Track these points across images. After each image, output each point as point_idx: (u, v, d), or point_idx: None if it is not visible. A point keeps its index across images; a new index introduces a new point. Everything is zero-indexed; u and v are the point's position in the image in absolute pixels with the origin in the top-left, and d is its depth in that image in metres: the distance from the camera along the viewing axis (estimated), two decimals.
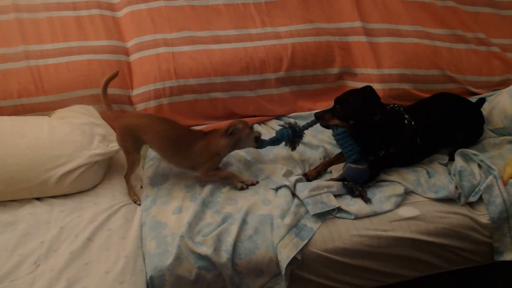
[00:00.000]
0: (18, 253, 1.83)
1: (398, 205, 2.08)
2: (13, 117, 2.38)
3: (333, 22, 2.92)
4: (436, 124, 2.34)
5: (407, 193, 2.15)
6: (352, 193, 2.13)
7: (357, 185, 2.14)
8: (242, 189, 2.21)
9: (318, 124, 2.28)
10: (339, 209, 2.05)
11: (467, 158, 2.28)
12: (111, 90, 2.26)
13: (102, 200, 2.15)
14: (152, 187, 2.21)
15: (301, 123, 2.36)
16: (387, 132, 2.23)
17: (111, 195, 2.19)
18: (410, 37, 2.89)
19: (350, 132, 2.17)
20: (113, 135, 2.35)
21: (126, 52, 2.69)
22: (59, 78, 2.50)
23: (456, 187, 2.12)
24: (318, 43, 2.81)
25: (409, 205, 2.10)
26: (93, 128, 2.31)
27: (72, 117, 2.35)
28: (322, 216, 2.02)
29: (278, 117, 2.78)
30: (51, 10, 2.66)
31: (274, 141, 2.31)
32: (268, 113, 2.78)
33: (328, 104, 2.35)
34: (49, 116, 2.42)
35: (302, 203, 2.06)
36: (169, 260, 1.82)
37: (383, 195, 2.12)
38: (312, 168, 2.34)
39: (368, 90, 2.22)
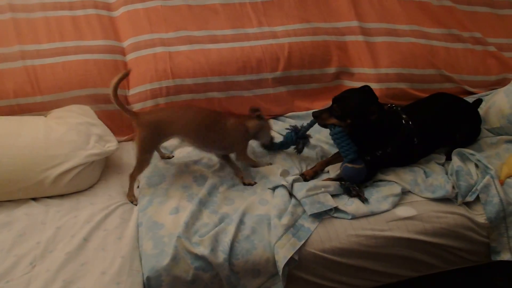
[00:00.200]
0: (14, 254, 1.83)
1: (395, 205, 2.08)
2: (9, 117, 2.37)
3: (330, 21, 2.92)
4: (434, 124, 2.34)
5: (404, 193, 2.15)
6: (349, 193, 2.13)
7: (354, 185, 2.14)
8: (250, 184, 2.22)
9: (316, 124, 2.29)
10: (336, 209, 2.05)
11: (464, 158, 2.28)
12: (107, 90, 2.24)
13: (98, 200, 2.14)
14: (149, 187, 2.20)
15: (300, 123, 2.37)
16: (384, 132, 2.23)
17: (108, 195, 2.18)
18: (406, 36, 2.89)
19: (347, 131, 2.17)
20: (109, 135, 2.34)
21: (123, 52, 2.68)
22: (55, 78, 2.49)
23: (453, 187, 2.12)
24: (315, 43, 2.81)
25: (406, 205, 2.10)
26: (90, 128, 2.30)
27: (68, 117, 2.34)
28: (319, 216, 2.02)
29: (275, 117, 2.78)
30: (47, 10, 2.64)
31: (283, 144, 2.39)
32: (265, 112, 2.74)
33: (325, 103, 2.35)
34: (45, 116, 2.41)
35: (299, 203, 2.06)
36: (166, 260, 1.82)
37: (380, 195, 2.12)
38: (309, 168, 2.34)
39: (366, 89, 2.23)
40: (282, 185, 2.13)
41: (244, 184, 2.23)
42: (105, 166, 2.36)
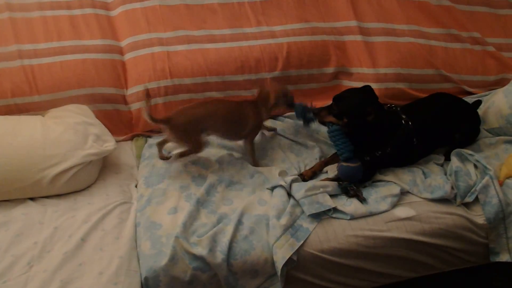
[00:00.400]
0: (11, 254, 1.82)
1: (394, 206, 2.08)
2: (7, 116, 2.35)
3: (329, 21, 2.92)
4: (433, 125, 2.34)
5: (403, 193, 2.15)
6: (347, 192, 2.12)
7: (352, 184, 2.14)
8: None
9: (314, 124, 2.30)
10: (335, 209, 2.04)
11: (463, 158, 2.28)
12: (105, 90, 2.25)
13: (96, 200, 2.13)
14: (147, 187, 2.20)
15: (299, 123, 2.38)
16: (383, 132, 2.23)
17: (105, 195, 2.17)
18: (405, 36, 2.89)
19: (346, 130, 2.18)
20: (107, 135, 2.33)
21: (121, 51, 2.68)
22: (53, 77, 2.48)
23: (452, 188, 2.12)
24: (314, 43, 2.81)
25: (405, 206, 2.10)
26: (87, 127, 2.29)
27: (66, 117, 2.33)
28: (318, 217, 2.02)
29: (274, 117, 2.77)
30: (44, 9, 2.64)
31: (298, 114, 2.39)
32: None
33: (324, 103, 2.36)
34: (43, 116, 2.40)
35: (298, 204, 2.06)
36: (163, 260, 1.81)
37: (379, 195, 2.11)
38: (308, 168, 2.34)
39: (367, 89, 2.24)
40: (281, 185, 2.13)
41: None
42: (103, 166, 2.35)
